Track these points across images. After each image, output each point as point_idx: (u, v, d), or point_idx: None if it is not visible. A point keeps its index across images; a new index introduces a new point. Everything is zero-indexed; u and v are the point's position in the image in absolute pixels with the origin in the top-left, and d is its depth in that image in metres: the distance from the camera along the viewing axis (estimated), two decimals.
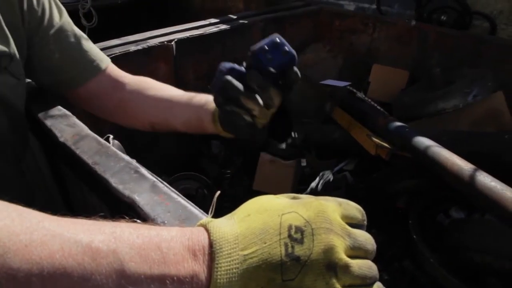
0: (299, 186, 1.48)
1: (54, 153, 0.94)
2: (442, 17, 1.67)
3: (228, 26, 1.50)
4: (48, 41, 0.75)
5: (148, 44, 1.27)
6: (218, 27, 1.48)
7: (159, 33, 1.36)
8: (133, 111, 0.83)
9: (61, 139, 0.70)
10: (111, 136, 0.75)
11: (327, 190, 1.40)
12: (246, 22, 1.58)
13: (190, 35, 1.38)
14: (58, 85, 0.83)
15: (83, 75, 0.81)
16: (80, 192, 0.93)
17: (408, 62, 1.62)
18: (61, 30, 0.77)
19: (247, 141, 1.54)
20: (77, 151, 0.65)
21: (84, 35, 0.82)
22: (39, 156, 1.11)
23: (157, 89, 0.83)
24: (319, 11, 1.88)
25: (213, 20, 1.54)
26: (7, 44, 0.66)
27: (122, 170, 0.59)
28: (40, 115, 0.80)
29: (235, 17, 1.62)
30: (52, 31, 0.76)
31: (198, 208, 0.52)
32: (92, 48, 0.82)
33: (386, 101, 1.54)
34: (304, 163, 1.51)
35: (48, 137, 0.75)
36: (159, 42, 1.30)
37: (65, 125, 0.75)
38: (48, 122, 0.76)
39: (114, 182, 0.57)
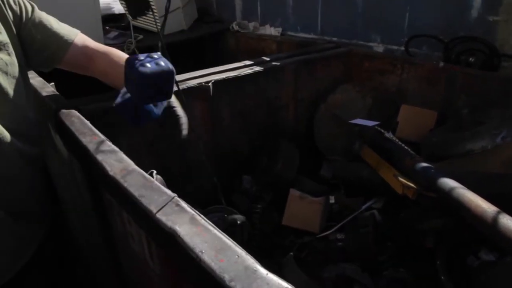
0: (327, 222, 1.51)
1: (101, 184, 1.02)
2: (470, 59, 1.70)
3: (262, 68, 1.60)
4: (30, 28, 0.98)
5: (187, 84, 1.38)
6: (252, 68, 1.58)
7: (197, 75, 1.47)
8: (104, 78, 1.09)
9: (111, 173, 0.78)
10: (155, 172, 0.82)
11: (355, 227, 1.43)
12: (278, 64, 1.67)
13: (226, 77, 1.48)
14: (48, 62, 1.04)
15: (61, 48, 1.02)
16: (120, 221, 1.01)
17: (436, 103, 1.65)
18: (36, 18, 0.99)
19: (278, 178, 1.60)
20: (125, 184, 0.73)
21: (55, 19, 1.04)
22: (81, 183, 1.22)
23: (108, 65, 1.07)
24: (349, 53, 1.97)
25: (247, 62, 1.65)
26: (1, 34, 0.89)
27: (164, 203, 0.66)
28: (91, 150, 0.89)
29: (268, 59, 1.72)
30: (30, 20, 0.98)
31: (231, 240, 0.57)
32: (63, 27, 1.04)
33: (414, 140, 1.57)
34: (332, 200, 1.54)
35: (98, 170, 0.84)
36: (197, 83, 1.40)
37: (114, 160, 0.83)
38: (99, 157, 0.85)
39: (158, 214, 0.63)
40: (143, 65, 0.82)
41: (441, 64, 1.66)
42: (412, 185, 1.14)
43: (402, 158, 1.29)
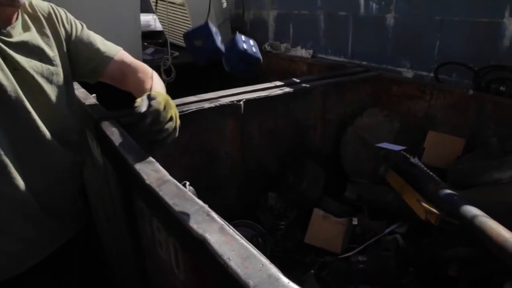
0: (349, 244, 1.52)
1: (135, 192, 1.09)
2: (501, 88, 1.70)
3: (292, 89, 1.65)
4: (78, 44, 1.10)
5: (220, 102, 1.45)
6: (282, 89, 1.63)
7: (229, 93, 1.53)
8: (136, 90, 1.14)
9: (147, 181, 0.84)
10: (188, 183, 0.88)
11: (378, 250, 1.43)
12: (308, 86, 1.72)
13: (257, 96, 1.54)
14: (91, 74, 1.16)
15: (102, 63, 1.14)
16: (149, 229, 1.06)
17: (464, 130, 1.65)
18: (84, 36, 1.12)
19: (303, 196, 1.63)
20: (160, 193, 0.79)
21: (101, 38, 1.17)
22: (114, 191, 1.29)
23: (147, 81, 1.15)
24: (378, 77, 2.00)
25: (278, 83, 1.70)
26: (51, 48, 1.02)
27: (196, 212, 0.71)
28: (130, 160, 0.96)
29: (298, 80, 1.77)
30: (79, 37, 1.11)
31: (256, 249, 0.62)
32: (106, 45, 1.16)
33: (440, 167, 1.57)
34: (355, 221, 1.56)
35: (135, 178, 0.90)
36: (229, 101, 1.47)
37: (151, 170, 0.89)
38: (137, 166, 0.92)
39: (190, 222, 0.68)
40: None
41: (471, 91, 1.66)
42: (435, 210, 1.15)
43: (426, 183, 1.30)
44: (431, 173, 1.39)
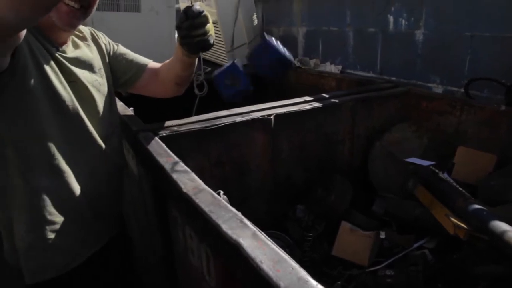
0: (376, 257, 1.53)
1: (170, 200, 1.15)
2: None
3: (321, 104, 1.69)
4: (117, 57, 1.28)
5: (251, 116, 1.50)
6: (311, 104, 1.68)
7: (260, 108, 1.59)
8: (165, 84, 1.33)
9: (184, 190, 0.90)
10: (222, 192, 0.94)
11: (405, 265, 1.43)
12: (337, 101, 1.76)
13: (287, 111, 1.59)
14: (130, 82, 1.31)
15: (138, 71, 1.30)
16: (182, 236, 1.12)
17: (495, 147, 1.64)
18: (122, 50, 1.30)
19: (331, 209, 1.66)
20: (197, 201, 0.85)
21: (132, 52, 1.33)
22: (149, 200, 1.36)
23: (165, 63, 1.33)
24: (407, 92, 2.01)
25: (307, 98, 1.75)
26: (97, 61, 1.17)
27: (230, 219, 0.77)
28: (168, 169, 1.03)
29: (327, 96, 1.81)
30: (117, 51, 1.28)
31: (287, 254, 0.66)
32: (138, 57, 1.33)
33: (471, 183, 1.56)
34: (383, 235, 1.56)
35: (172, 187, 0.97)
36: (260, 116, 1.52)
37: (187, 179, 0.96)
38: (174, 175, 0.98)
39: (225, 227, 0.74)
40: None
41: (503, 107, 1.65)
42: (463, 225, 1.15)
43: (455, 198, 1.30)
44: (460, 188, 1.39)
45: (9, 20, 0.67)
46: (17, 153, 0.95)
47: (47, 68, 0.96)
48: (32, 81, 0.92)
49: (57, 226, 1.01)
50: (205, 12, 1.11)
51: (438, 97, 1.96)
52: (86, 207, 1.08)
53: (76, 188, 1.04)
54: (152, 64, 1.35)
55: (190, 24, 1.09)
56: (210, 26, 1.14)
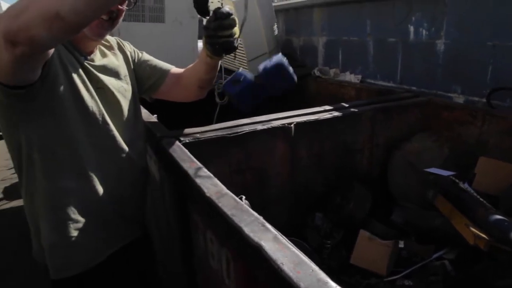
0: (394, 267, 1.52)
1: (192, 205, 1.19)
2: None
3: (340, 114, 1.71)
4: (141, 64, 1.32)
5: (271, 125, 1.54)
6: (331, 113, 1.70)
7: (281, 116, 1.62)
8: (188, 87, 1.36)
9: (207, 194, 0.94)
10: (244, 197, 0.96)
11: (424, 275, 1.43)
12: (356, 110, 1.78)
13: (306, 120, 1.61)
14: (154, 87, 1.35)
15: (162, 76, 1.35)
16: (203, 240, 1.15)
17: None
18: (146, 57, 1.35)
19: (349, 217, 1.66)
20: (219, 205, 0.88)
21: (155, 59, 1.37)
22: (170, 204, 1.40)
23: (188, 67, 1.36)
24: (428, 102, 2.01)
25: (327, 107, 1.77)
26: (123, 68, 1.22)
27: (252, 222, 0.79)
28: (191, 174, 1.06)
29: (346, 105, 1.83)
30: (141, 59, 1.33)
31: (307, 257, 0.68)
32: (161, 63, 1.37)
33: (492, 193, 1.55)
34: (402, 245, 1.56)
35: (195, 191, 1.00)
36: (281, 124, 1.55)
37: (210, 184, 0.99)
38: (198, 180, 1.02)
39: (247, 230, 0.76)
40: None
41: None
42: (484, 235, 1.15)
43: (476, 208, 1.30)
44: (481, 198, 1.38)
45: (44, 40, 0.74)
46: (45, 156, 1.00)
47: (75, 76, 1.01)
48: (62, 88, 0.98)
49: (81, 225, 1.06)
50: (234, 16, 1.14)
51: (459, 107, 1.95)
52: (110, 209, 1.12)
53: (101, 190, 1.08)
54: (174, 69, 1.38)
55: (218, 24, 1.12)
56: (236, 30, 1.17)
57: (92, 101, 1.05)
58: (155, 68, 1.35)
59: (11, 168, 4.00)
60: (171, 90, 1.37)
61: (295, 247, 0.71)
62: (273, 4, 3.22)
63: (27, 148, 0.99)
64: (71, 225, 1.04)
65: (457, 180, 1.52)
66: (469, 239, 1.23)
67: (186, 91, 1.38)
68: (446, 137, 1.89)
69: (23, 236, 1.18)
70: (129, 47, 1.31)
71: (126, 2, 1.06)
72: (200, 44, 2.82)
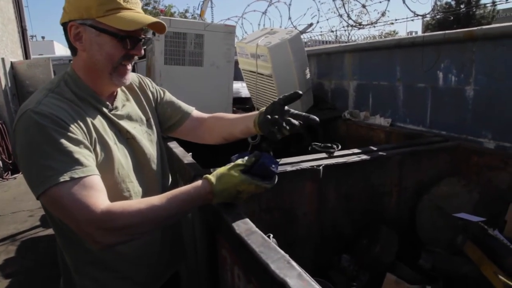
0: None
1: (222, 240, 1.25)
2: None
3: (368, 157, 1.76)
4: (163, 105, 1.36)
5: (301, 166, 1.60)
6: (359, 156, 1.75)
7: (310, 158, 1.69)
8: (211, 133, 1.39)
9: (237, 231, 1.00)
10: (271, 235, 1.02)
11: None
12: (384, 154, 1.82)
13: (335, 162, 1.67)
14: (173, 128, 1.39)
15: (182, 118, 1.38)
16: (230, 275, 1.20)
17: None
18: (168, 98, 1.38)
19: (376, 260, 1.67)
20: (248, 241, 0.94)
21: (177, 100, 1.41)
22: (200, 240, 1.46)
23: (224, 117, 1.38)
24: (457, 147, 2.02)
25: (356, 150, 1.82)
26: (146, 111, 1.27)
27: (278, 260, 0.85)
28: (223, 213, 1.13)
29: (375, 148, 1.88)
30: (163, 99, 1.36)
31: None
32: (183, 105, 1.41)
33: None
34: None
35: (225, 228, 1.07)
36: (310, 166, 1.61)
37: (240, 222, 1.06)
38: (229, 218, 1.09)
39: (273, 267, 0.82)
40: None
41: None
42: None
43: (505, 256, 1.29)
44: (511, 246, 1.37)
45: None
46: None
47: (108, 139, 1.06)
48: (102, 155, 1.04)
49: (118, 275, 1.15)
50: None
51: (490, 152, 1.95)
52: (156, 254, 1.21)
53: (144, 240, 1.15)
54: (196, 112, 1.42)
55: (293, 127, 1.13)
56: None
57: (128, 152, 1.13)
58: (176, 109, 1.38)
59: None
60: (190, 132, 1.41)
61: (319, 285, 0.76)
62: (306, 49, 3.36)
63: None
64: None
65: (486, 227, 1.51)
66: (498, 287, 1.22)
67: (209, 136, 1.40)
68: (476, 182, 1.89)
69: (56, 264, 1.27)
70: (151, 87, 1.34)
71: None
72: (234, 84, 2.98)
